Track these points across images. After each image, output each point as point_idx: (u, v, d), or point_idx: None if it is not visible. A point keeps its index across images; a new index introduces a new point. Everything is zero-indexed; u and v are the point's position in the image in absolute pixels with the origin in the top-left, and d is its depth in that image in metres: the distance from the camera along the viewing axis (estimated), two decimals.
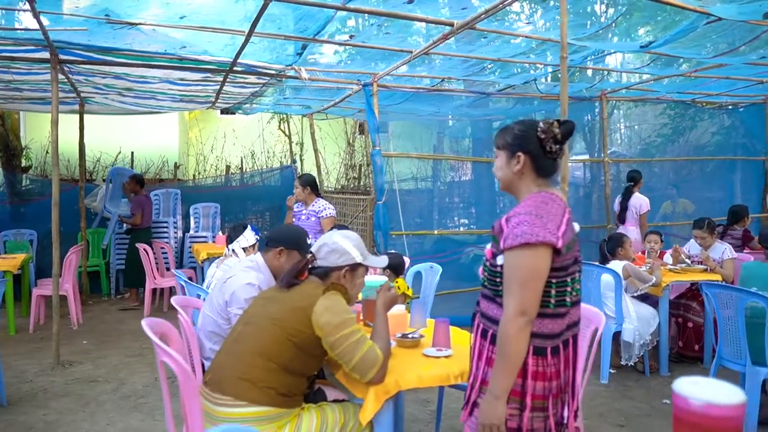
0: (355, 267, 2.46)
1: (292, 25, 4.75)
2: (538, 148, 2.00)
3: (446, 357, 2.50)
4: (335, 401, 2.51)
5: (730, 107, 8.81)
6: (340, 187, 9.58)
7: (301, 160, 9.25)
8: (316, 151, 8.45)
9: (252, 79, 6.27)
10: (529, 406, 1.88)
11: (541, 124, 2.01)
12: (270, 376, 2.19)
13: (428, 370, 2.34)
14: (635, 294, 4.98)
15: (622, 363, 4.86)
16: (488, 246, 2.05)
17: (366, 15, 4.72)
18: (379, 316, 2.38)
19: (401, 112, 7.86)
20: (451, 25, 4.62)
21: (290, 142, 9.35)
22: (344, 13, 4.44)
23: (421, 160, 9.34)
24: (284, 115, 9.29)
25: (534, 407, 1.88)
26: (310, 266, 2.46)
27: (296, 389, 2.28)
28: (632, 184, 6.83)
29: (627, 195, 6.83)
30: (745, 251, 6.01)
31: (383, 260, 2.70)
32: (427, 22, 4.63)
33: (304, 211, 5.41)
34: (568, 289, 1.93)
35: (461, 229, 8.98)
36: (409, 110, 7.61)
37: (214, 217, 8.76)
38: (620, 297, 4.74)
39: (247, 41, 4.82)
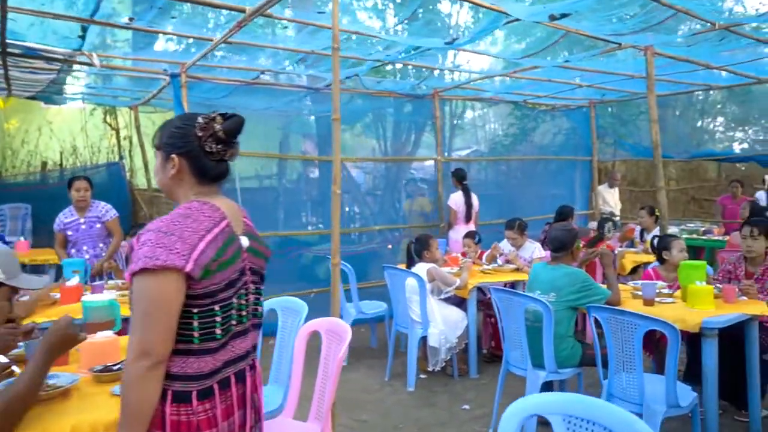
0: None
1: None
2: (198, 148, 1.65)
3: None
4: None
5: (561, 109, 9.14)
6: None
7: (131, 156, 8.45)
8: (142, 146, 7.70)
9: (41, 64, 5.49)
10: None
11: (200, 119, 1.65)
12: None
13: (96, 415, 1.90)
14: (443, 296, 4.86)
15: (429, 368, 4.72)
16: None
17: None
18: (34, 358, 1.85)
19: (235, 108, 7.29)
20: (243, 11, 4.21)
21: (118, 137, 8.50)
22: None
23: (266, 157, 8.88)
24: (110, 107, 8.41)
25: None
26: None
27: None
28: (466, 182, 6.79)
29: (469, 193, 6.77)
30: None
31: (41, 281, 2.24)
32: (215, 7, 4.19)
33: (82, 220, 4.76)
34: (218, 319, 1.58)
35: (309, 228, 8.61)
36: (242, 105, 7.08)
37: (24, 219, 7.73)
38: (425, 301, 4.59)
39: (4, 17, 4.13)
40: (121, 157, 8.44)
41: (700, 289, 3.56)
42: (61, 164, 8.44)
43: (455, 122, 11.72)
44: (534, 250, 5.34)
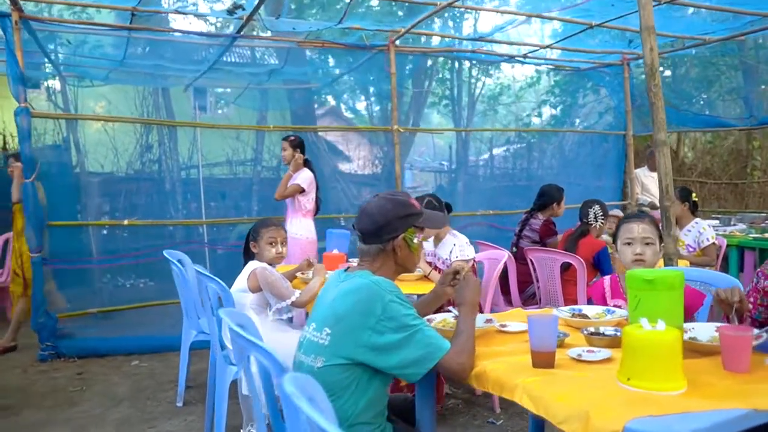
0: None
1: None
2: None
3: None
4: None
5: (589, 71, 6.74)
6: None
7: None
8: None
9: None
10: None
11: None
12: None
13: None
14: (283, 316, 2.95)
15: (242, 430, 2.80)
16: None
17: None
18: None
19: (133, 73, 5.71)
20: None
21: None
22: None
23: (239, 138, 7.37)
24: None
25: None
26: None
27: None
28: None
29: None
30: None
31: None
32: None
33: None
34: None
35: None
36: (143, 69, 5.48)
37: None
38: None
39: None
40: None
41: (645, 338, 1.40)
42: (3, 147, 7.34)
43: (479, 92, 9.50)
44: (453, 247, 3.24)
